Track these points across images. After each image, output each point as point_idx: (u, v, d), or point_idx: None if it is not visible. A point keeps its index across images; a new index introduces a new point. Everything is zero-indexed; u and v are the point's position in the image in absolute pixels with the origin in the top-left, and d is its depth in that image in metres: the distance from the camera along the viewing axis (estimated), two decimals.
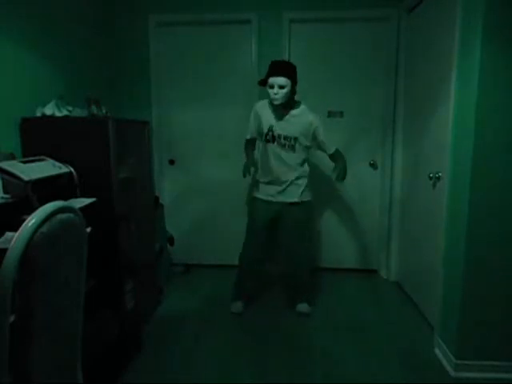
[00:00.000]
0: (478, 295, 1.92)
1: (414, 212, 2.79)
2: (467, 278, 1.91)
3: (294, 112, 2.37)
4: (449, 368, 2.00)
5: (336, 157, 2.44)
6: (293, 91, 2.31)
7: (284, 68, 2.27)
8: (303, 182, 2.47)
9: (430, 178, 2.35)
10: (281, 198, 2.45)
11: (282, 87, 2.23)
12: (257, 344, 2.25)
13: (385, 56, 3.02)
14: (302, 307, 2.57)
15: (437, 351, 2.15)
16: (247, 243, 2.57)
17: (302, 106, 2.39)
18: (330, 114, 3.15)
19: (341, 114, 3.15)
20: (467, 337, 1.95)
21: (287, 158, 2.40)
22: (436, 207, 2.25)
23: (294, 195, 2.44)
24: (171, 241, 3.21)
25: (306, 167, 2.49)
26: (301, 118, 2.36)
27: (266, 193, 2.48)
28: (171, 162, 3.32)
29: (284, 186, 2.43)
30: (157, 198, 3.00)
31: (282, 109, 2.36)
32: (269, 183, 2.47)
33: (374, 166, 3.19)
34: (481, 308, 1.93)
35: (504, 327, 1.93)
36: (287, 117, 2.37)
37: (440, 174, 2.24)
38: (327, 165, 3.20)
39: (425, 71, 2.55)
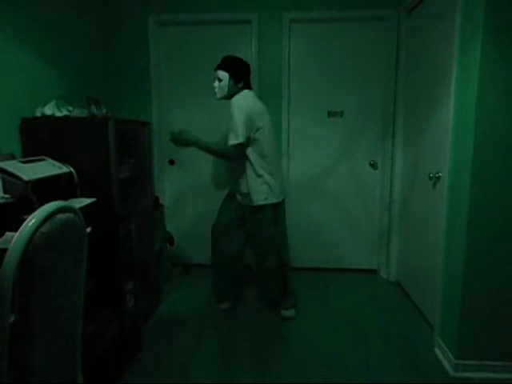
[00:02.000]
0: (477, 295, 1.92)
1: (413, 212, 2.79)
2: (467, 278, 1.91)
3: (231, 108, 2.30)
4: (449, 368, 2.01)
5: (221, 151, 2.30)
6: (237, 87, 2.29)
7: (223, 61, 2.32)
8: (254, 183, 2.31)
9: (430, 178, 2.35)
10: (238, 198, 2.45)
11: (219, 80, 2.30)
12: (256, 344, 2.25)
13: (385, 56, 3.02)
14: (285, 313, 2.54)
15: (437, 351, 2.15)
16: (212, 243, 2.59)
17: (236, 96, 2.28)
18: (330, 114, 3.15)
19: (341, 113, 3.15)
20: (467, 337, 1.95)
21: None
22: (436, 207, 2.25)
23: (248, 198, 2.35)
24: (171, 241, 3.21)
25: (253, 166, 2.30)
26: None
27: (230, 186, 2.53)
28: (171, 162, 3.32)
29: (237, 186, 2.41)
30: (157, 198, 3.00)
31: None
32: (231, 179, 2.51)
33: (373, 166, 3.19)
34: (481, 308, 1.93)
35: (504, 327, 1.93)
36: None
37: (440, 174, 2.24)
38: (324, 164, 3.22)
39: (425, 71, 2.55)
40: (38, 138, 1.98)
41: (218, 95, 2.35)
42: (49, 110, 2.03)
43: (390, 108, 3.05)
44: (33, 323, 0.89)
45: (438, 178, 2.26)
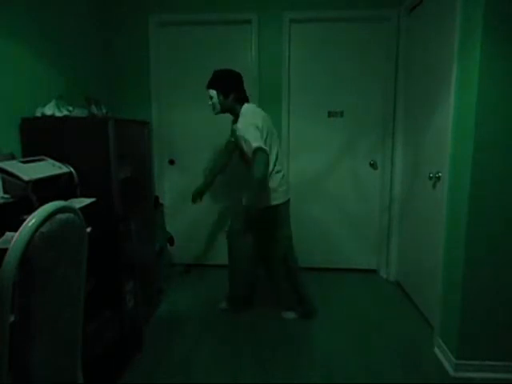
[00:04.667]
0: (478, 295, 1.92)
1: (413, 212, 2.79)
2: (467, 278, 1.91)
3: (238, 124, 2.29)
4: (449, 368, 2.01)
5: (252, 167, 2.10)
6: (228, 100, 2.30)
7: (211, 79, 2.34)
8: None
9: (430, 178, 2.35)
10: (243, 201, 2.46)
11: (210, 98, 2.34)
12: (256, 344, 2.25)
13: (385, 56, 3.02)
14: (286, 314, 2.54)
15: (437, 351, 2.15)
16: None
17: (241, 114, 2.30)
18: (330, 114, 3.15)
19: (341, 113, 3.15)
20: (467, 337, 1.95)
21: (244, 166, 2.43)
22: (436, 207, 2.25)
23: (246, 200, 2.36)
24: (171, 241, 3.21)
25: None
26: (237, 128, 2.27)
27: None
28: (171, 162, 3.32)
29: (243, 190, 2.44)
30: (157, 198, 3.00)
31: (233, 121, 2.43)
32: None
33: (373, 166, 3.19)
34: (481, 308, 1.93)
35: (504, 327, 1.93)
36: (236, 127, 2.32)
37: (440, 174, 2.24)
38: (324, 164, 3.22)
39: (425, 71, 2.55)
40: (37, 138, 1.98)
41: (213, 112, 2.40)
42: (49, 109, 2.03)
43: (389, 108, 3.05)
44: (33, 323, 0.89)
45: (438, 178, 2.26)
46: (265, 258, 2.56)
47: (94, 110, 2.18)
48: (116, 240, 2.04)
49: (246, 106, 2.34)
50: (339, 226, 3.30)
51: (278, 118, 3.10)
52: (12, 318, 0.86)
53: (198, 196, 2.67)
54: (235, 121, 2.38)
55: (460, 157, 1.94)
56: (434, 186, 2.34)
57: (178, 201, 3.35)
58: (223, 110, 2.37)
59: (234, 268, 2.61)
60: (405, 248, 2.99)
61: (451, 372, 1.98)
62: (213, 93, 2.32)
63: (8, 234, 1.29)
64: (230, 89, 2.30)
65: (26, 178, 1.56)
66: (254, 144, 2.08)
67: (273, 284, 2.64)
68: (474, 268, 1.90)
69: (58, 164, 1.83)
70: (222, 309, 2.64)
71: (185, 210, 3.36)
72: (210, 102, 2.36)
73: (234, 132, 2.40)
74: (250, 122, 2.22)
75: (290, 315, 2.53)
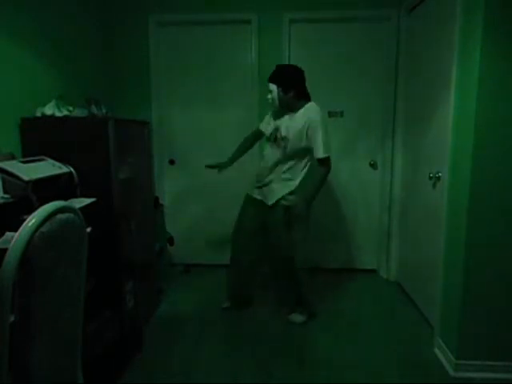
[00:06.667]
0: (478, 295, 1.92)
1: (413, 212, 2.79)
2: (467, 278, 1.91)
3: (296, 113, 2.31)
4: (449, 368, 2.01)
5: (317, 168, 2.27)
6: (288, 96, 2.26)
7: (273, 73, 2.31)
8: (285, 186, 2.33)
9: (430, 178, 2.35)
10: (259, 197, 2.43)
11: (270, 92, 2.31)
12: (257, 344, 2.25)
13: (385, 56, 3.02)
14: (293, 317, 2.51)
15: (437, 351, 2.15)
16: (232, 241, 2.59)
17: (307, 106, 2.31)
18: (330, 114, 3.15)
19: (341, 113, 3.15)
20: (467, 337, 1.95)
21: (276, 157, 2.35)
22: (436, 207, 2.25)
23: (271, 198, 2.36)
24: (171, 241, 3.21)
25: (298, 173, 2.34)
26: (299, 118, 2.29)
27: (252, 189, 2.50)
28: (171, 162, 3.32)
29: (262, 184, 2.40)
30: (157, 198, 3.00)
31: (285, 111, 2.36)
32: (257, 180, 2.47)
33: (373, 166, 3.19)
34: (481, 308, 1.93)
35: (504, 327, 1.93)
36: (288, 117, 2.34)
37: (440, 174, 2.24)
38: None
39: (425, 71, 2.55)
40: (37, 137, 1.98)
41: (272, 105, 2.38)
42: (49, 109, 2.03)
43: (389, 108, 3.05)
44: (33, 323, 0.89)
45: (438, 177, 2.26)
46: (273, 258, 2.54)
47: (94, 109, 2.18)
48: (116, 240, 2.05)
49: (314, 104, 2.32)
50: (339, 225, 3.29)
51: None
52: (12, 318, 0.86)
53: (216, 167, 2.56)
54: (282, 112, 2.36)
55: (460, 157, 1.94)
56: (434, 186, 2.34)
57: (178, 201, 3.35)
58: (281, 106, 2.33)
59: (233, 267, 2.60)
60: (405, 248, 2.99)
61: (451, 372, 1.98)
62: (273, 87, 2.28)
63: (8, 233, 1.29)
64: (291, 85, 2.27)
65: (26, 178, 1.56)
66: (327, 152, 2.22)
67: (277, 284, 2.62)
68: (474, 268, 1.90)
69: (58, 164, 1.83)
70: (224, 307, 2.63)
71: (185, 210, 3.36)
72: (269, 96, 2.32)
73: (286, 120, 2.33)
74: (326, 124, 2.26)
75: (298, 318, 2.50)
